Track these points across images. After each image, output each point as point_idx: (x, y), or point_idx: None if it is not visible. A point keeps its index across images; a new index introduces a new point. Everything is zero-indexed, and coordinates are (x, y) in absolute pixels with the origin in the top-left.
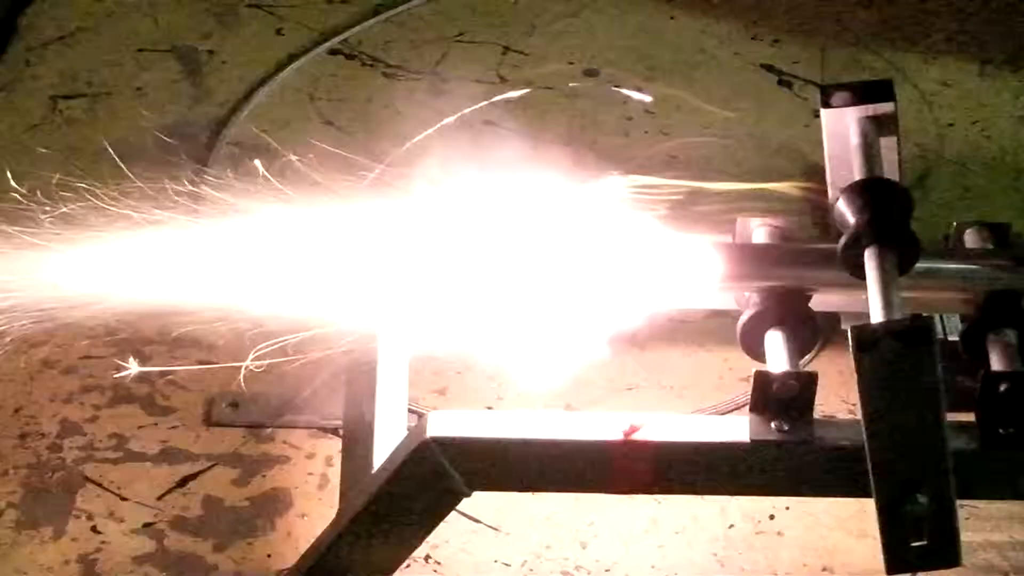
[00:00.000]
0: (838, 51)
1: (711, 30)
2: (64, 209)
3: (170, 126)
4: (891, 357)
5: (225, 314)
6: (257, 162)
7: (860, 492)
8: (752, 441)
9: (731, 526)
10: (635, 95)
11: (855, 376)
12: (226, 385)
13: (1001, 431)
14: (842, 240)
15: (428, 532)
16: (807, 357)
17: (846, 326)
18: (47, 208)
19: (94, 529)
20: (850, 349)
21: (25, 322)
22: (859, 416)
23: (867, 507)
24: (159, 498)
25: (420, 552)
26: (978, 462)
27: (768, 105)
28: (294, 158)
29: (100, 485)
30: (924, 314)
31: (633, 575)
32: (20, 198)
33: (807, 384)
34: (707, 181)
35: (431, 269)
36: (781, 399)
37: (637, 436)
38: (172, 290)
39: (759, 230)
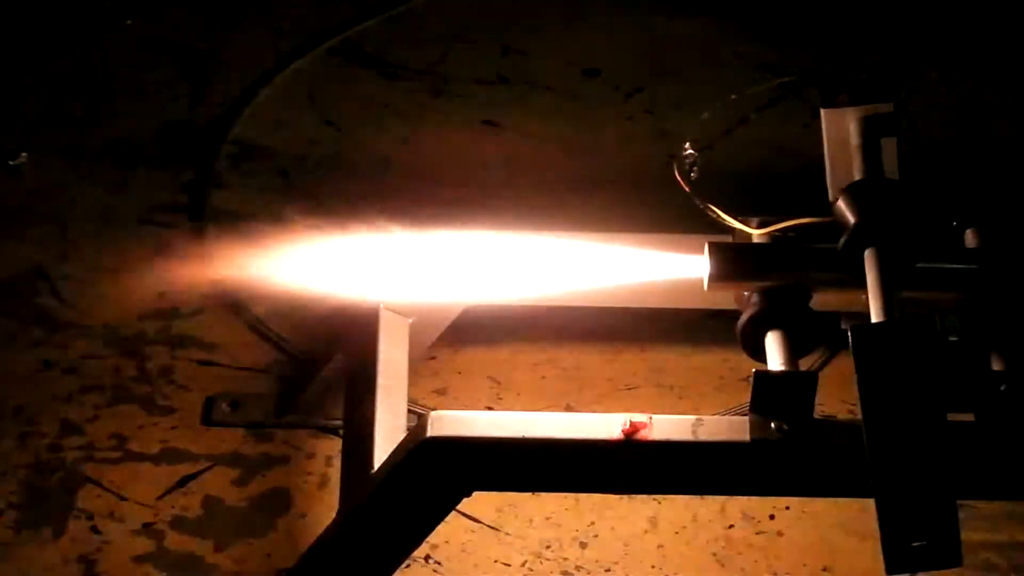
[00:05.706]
0: (838, 51)
1: (711, 30)
2: None
3: (170, 126)
4: (891, 357)
5: None
6: None
7: (860, 492)
8: (752, 441)
9: (731, 526)
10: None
11: (855, 376)
12: (226, 385)
13: (1000, 431)
14: (842, 240)
15: (428, 532)
16: (817, 361)
17: (846, 326)
18: None
19: (94, 529)
20: (850, 349)
21: None
22: (859, 416)
23: (867, 507)
24: (159, 498)
25: (420, 552)
26: (978, 462)
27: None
28: None
29: (100, 485)
30: (924, 314)
31: (633, 575)
32: None
33: (807, 384)
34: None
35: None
36: (781, 399)
37: (637, 436)
38: None
39: (760, 229)
